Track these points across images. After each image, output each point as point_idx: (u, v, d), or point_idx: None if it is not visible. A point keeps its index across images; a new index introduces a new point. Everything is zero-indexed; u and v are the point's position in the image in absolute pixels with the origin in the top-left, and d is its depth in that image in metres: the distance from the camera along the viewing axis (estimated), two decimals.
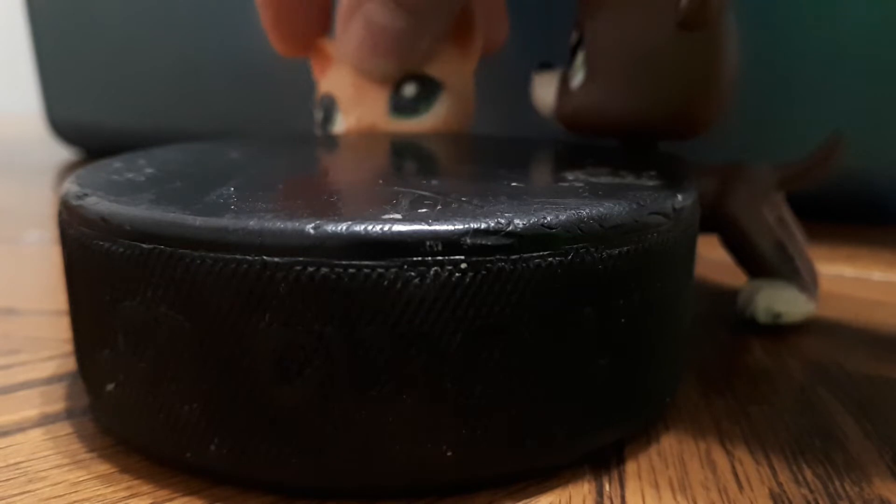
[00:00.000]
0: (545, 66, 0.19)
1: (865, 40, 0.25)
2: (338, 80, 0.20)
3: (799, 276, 0.17)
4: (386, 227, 0.09)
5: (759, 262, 0.17)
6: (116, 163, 0.14)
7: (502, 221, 0.10)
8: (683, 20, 0.15)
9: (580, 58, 0.17)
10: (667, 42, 0.16)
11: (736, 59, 0.16)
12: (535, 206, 0.10)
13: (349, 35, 0.18)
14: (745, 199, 0.17)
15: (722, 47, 0.16)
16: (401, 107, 0.19)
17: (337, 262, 0.09)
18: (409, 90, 0.19)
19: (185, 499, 0.11)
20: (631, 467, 0.12)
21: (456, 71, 0.20)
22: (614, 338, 0.11)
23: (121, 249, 0.10)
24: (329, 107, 0.20)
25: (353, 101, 0.19)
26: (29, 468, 0.11)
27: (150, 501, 0.11)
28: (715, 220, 0.17)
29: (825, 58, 0.26)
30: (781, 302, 0.17)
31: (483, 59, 0.20)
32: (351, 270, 0.09)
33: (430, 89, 0.19)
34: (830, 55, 0.26)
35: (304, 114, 0.25)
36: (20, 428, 0.13)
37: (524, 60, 0.21)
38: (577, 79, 0.17)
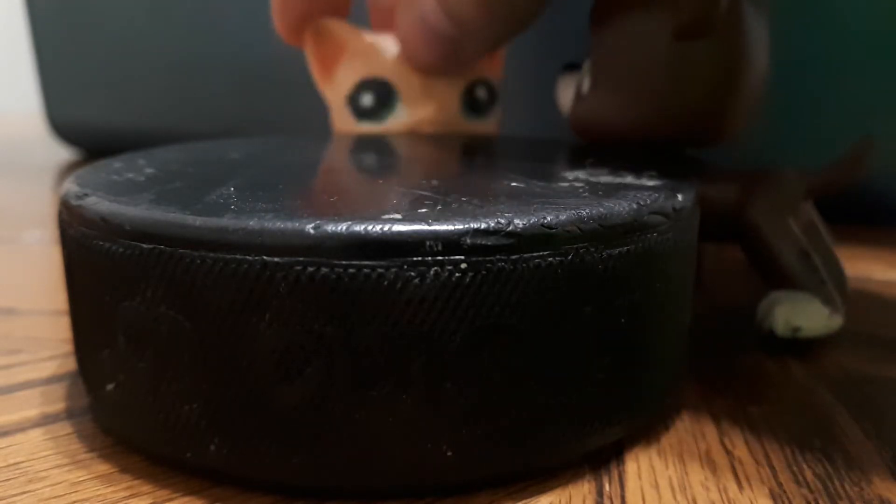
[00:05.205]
0: (570, 66, 0.19)
1: (867, 41, 0.25)
2: (397, 69, 0.19)
3: (824, 289, 0.16)
4: (386, 227, 0.09)
5: (780, 272, 0.16)
6: (116, 163, 0.14)
7: (502, 221, 0.10)
8: (680, 31, 0.14)
9: (586, 65, 0.17)
10: (670, 51, 0.15)
11: (763, 64, 0.16)
12: (535, 206, 0.10)
13: (403, 23, 0.18)
14: (768, 207, 0.16)
15: (740, 54, 0.15)
16: (475, 108, 0.20)
17: (337, 262, 0.09)
18: (482, 93, 0.20)
19: (185, 499, 0.11)
20: (631, 467, 0.12)
21: (497, 80, 0.20)
22: (614, 338, 0.11)
23: (121, 249, 0.10)
24: (385, 93, 0.19)
25: (422, 95, 0.19)
26: (29, 468, 0.11)
27: (150, 501, 0.11)
28: (737, 227, 0.16)
29: (827, 59, 0.26)
30: (803, 316, 0.16)
31: None
32: (351, 270, 0.09)
33: (492, 94, 0.20)
34: (833, 57, 0.26)
35: (304, 114, 0.25)
36: (20, 428, 0.13)
37: (520, 60, 0.21)
38: (586, 85, 0.17)
